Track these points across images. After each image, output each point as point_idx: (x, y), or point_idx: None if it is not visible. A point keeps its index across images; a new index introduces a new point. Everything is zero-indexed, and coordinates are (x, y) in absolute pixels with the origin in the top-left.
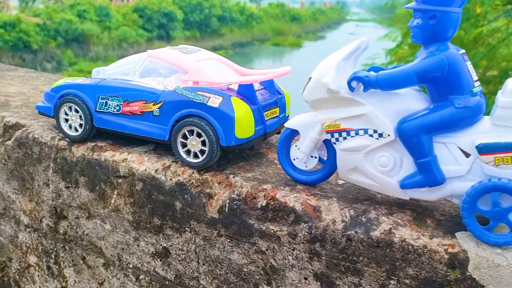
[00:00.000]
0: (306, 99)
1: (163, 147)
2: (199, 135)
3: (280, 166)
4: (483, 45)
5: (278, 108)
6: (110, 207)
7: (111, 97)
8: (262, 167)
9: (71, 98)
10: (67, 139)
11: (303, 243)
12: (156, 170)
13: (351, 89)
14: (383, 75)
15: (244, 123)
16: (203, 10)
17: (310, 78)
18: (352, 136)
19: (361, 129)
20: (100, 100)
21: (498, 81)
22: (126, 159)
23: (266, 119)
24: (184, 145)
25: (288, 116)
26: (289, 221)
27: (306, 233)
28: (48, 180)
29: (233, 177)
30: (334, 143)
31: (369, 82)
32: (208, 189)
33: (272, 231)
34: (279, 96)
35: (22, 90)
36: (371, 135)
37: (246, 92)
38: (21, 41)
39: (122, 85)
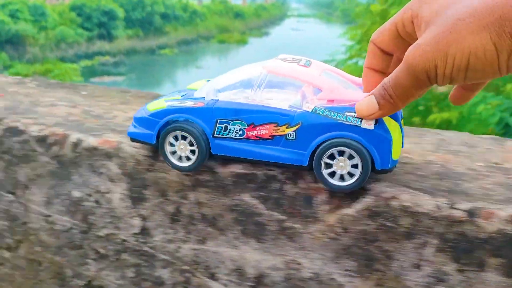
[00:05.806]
0: None
1: None
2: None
3: None
4: None
5: (403, 121)
6: None
7: (232, 120)
8: None
9: (182, 126)
10: (455, 206)
11: None
12: None
13: None
14: None
15: (398, 143)
16: (145, 7)
17: None
18: None
19: None
20: (218, 125)
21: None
22: None
23: None
24: (328, 169)
25: None
26: None
27: None
28: (420, 260)
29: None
30: None
31: None
32: None
33: None
34: None
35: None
36: None
37: None
38: None
39: (245, 107)
